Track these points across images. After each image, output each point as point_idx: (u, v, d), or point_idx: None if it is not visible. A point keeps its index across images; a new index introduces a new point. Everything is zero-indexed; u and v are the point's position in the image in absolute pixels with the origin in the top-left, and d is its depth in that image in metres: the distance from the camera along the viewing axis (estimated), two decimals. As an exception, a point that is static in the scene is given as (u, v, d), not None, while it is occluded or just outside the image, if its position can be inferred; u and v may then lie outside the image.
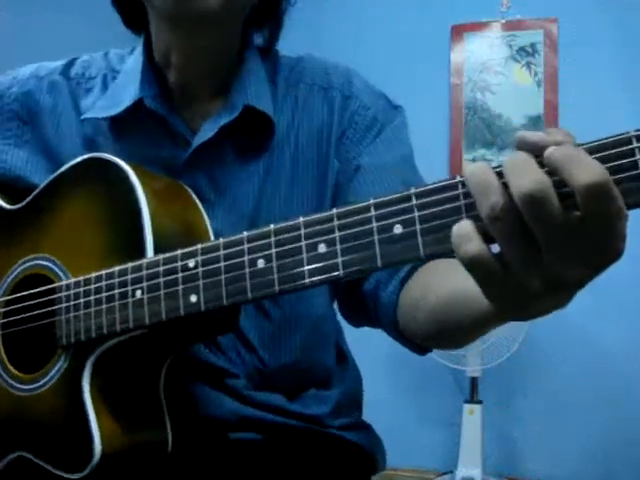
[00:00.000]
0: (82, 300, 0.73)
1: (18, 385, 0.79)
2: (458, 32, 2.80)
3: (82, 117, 0.87)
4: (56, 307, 0.76)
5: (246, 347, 0.83)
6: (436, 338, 0.75)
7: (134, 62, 0.88)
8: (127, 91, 0.85)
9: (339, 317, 0.94)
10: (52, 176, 0.82)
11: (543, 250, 0.47)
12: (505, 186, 0.47)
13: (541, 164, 0.46)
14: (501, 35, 2.76)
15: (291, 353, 0.85)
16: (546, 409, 2.61)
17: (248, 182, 0.84)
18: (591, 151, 0.46)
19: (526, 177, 0.45)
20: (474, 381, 2.50)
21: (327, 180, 0.85)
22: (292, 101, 0.87)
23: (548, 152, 0.46)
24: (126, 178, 0.73)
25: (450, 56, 2.81)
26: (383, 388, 2.63)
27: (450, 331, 0.69)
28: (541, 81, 2.71)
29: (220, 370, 0.83)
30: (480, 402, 2.48)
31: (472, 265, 0.48)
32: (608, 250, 0.46)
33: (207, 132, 0.82)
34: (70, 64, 0.92)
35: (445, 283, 0.69)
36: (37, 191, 0.83)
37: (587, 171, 0.44)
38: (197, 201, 0.79)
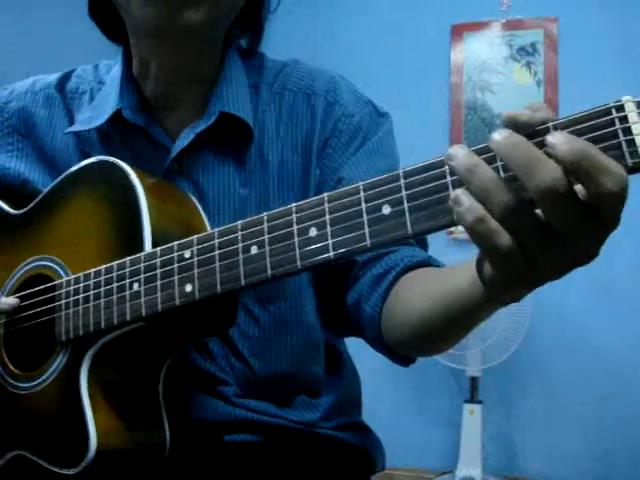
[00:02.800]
0: (81, 296, 0.73)
1: (17, 383, 0.79)
2: (458, 32, 2.80)
3: (66, 131, 0.88)
4: (56, 304, 0.76)
5: (235, 355, 0.83)
6: (423, 340, 0.74)
7: (116, 72, 0.88)
8: (108, 102, 0.86)
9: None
10: (54, 182, 0.83)
11: (559, 234, 0.47)
12: (509, 179, 0.47)
13: (537, 145, 0.47)
14: (501, 35, 2.76)
15: (281, 362, 0.85)
16: (546, 409, 2.61)
17: (231, 190, 0.84)
18: (573, 123, 0.47)
19: (544, 174, 0.45)
20: (474, 381, 2.50)
21: (309, 188, 0.85)
22: (276, 108, 0.86)
23: (563, 152, 0.44)
24: (127, 178, 0.74)
25: (450, 56, 2.81)
26: (383, 388, 2.63)
27: (437, 330, 0.69)
28: (541, 81, 2.71)
29: (211, 377, 0.83)
30: (480, 402, 2.48)
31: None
32: (612, 225, 0.47)
33: (184, 139, 0.83)
34: (65, 79, 0.93)
35: (429, 287, 0.70)
36: (40, 197, 0.84)
37: (613, 179, 0.44)
38: (195, 202, 0.80)
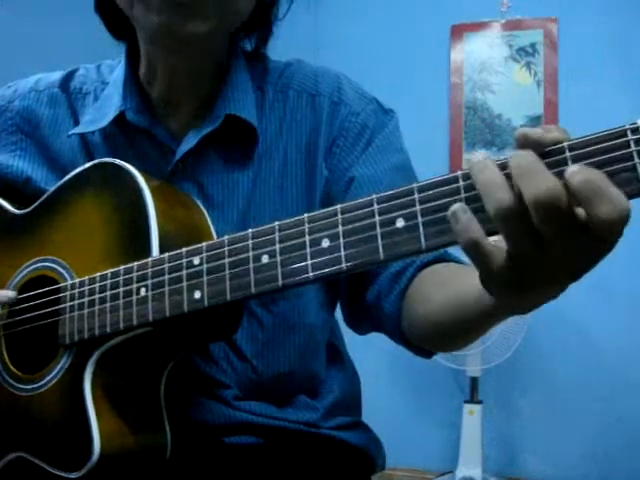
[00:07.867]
0: (86, 299, 0.73)
1: (19, 385, 0.79)
2: (458, 32, 2.80)
3: (69, 133, 0.87)
4: (60, 306, 0.76)
5: (238, 356, 0.83)
6: (439, 340, 0.76)
7: (119, 73, 0.88)
8: (112, 104, 0.85)
9: (336, 317, 0.94)
10: (59, 183, 0.82)
11: (547, 246, 0.47)
12: (512, 186, 0.47)
13: (551, 165, 0.47)
14: (501, 35, 2.76)
15: (284, 362, 0.85)
16: (546, 409, 2.61)
17: (236, 190, 0.84)
18: (589, 144, 0.47)
19: (540, 183, 0.46)
20: (474, 381, 2.50)
21: (315, 188, 0.84)
22: (280, 108, 0.86)
23: (570, 174, 0.45)
24: (134, 181, 0.74)
25: (450, 56, 2.81)
26: (383, 388, 2.63)
27: (453, 330, 0.70)
28: (541, 81, 2.71)
29: (211, 379, 0.83)
30: (480, 402, 2.49)
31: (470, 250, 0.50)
32: (608, 244, 0.48)
33: (190, 141, 0.82)
34: (68, 78, 0.93)
35: (444, 287, 0.71)
36: (44, 197, 0.84)
37: (612, 207, 0.45)
38: (200, 205, 0.79)
